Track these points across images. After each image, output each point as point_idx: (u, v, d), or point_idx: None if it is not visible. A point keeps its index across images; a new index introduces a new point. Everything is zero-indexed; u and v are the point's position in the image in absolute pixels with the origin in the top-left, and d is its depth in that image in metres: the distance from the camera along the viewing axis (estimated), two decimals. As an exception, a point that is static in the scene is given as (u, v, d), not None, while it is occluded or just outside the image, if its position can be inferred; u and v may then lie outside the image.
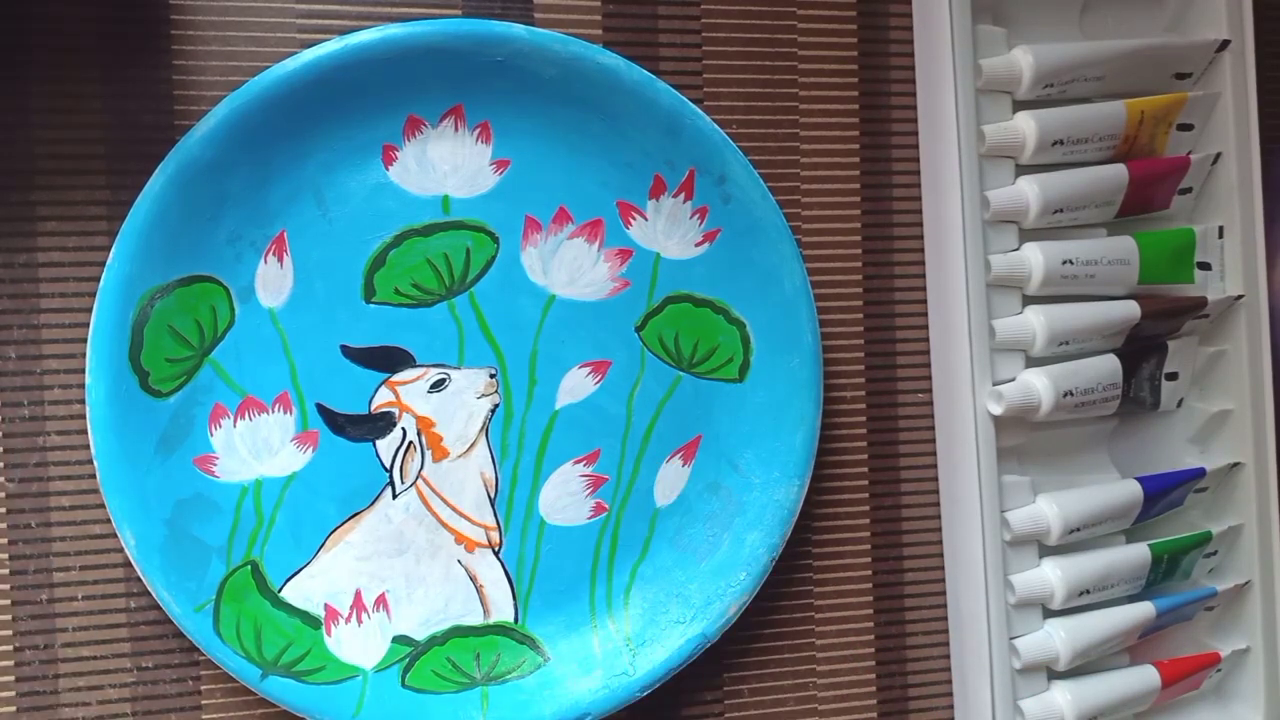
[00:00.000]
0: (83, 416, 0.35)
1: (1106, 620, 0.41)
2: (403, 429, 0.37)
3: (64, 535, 0.36)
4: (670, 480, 0.39)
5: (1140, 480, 0.41)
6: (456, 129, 0.37)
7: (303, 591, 0.37)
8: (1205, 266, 0.42)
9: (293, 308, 0.36)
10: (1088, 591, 0.40)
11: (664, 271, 0.39)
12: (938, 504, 0.42)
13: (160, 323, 0.35)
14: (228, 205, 0.35)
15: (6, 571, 0.35)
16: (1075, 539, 0.41)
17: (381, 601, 0.37)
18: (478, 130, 0.37)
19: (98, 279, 0.34)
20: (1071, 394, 0.40)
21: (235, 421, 0.36)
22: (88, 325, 0.34)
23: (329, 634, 0.37)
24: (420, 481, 0.38)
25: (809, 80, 0.41)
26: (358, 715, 0.36)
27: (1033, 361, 0.40)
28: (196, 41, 0.36)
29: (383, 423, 0.37)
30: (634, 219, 0.38)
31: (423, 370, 0.37)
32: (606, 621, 0.39)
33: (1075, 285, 0.40)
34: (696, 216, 0.39)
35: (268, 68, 0.34)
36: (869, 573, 0.42)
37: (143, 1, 0.36)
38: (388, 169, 0.37)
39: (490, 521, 0.38)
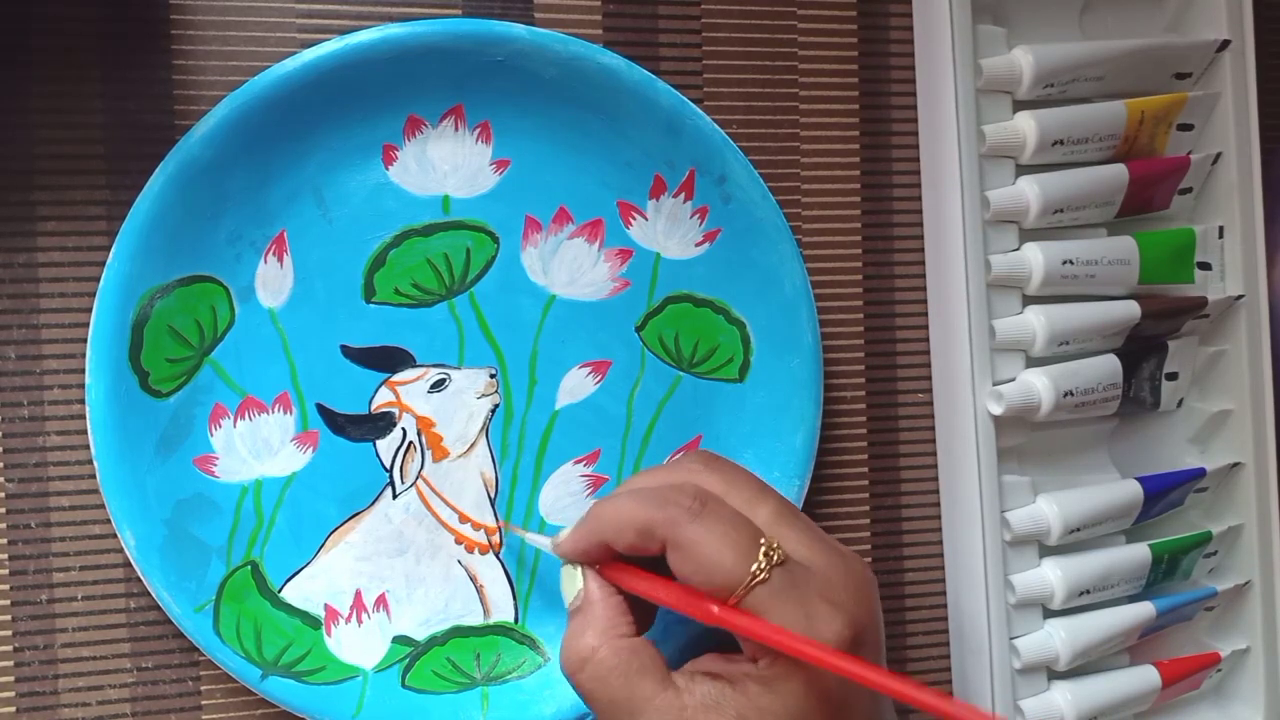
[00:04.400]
0: (83, 416, 0.35)
1: (1106, 620, 0.41)
2: (403, 429, 0.37)
3: (64, 535, 0.36)
4: (670, 480, 0.39)
5: (1140, 480, 0.41)
6: (456, 129, 0.37)
7: (303, 592, 0.37)
8: (1205, 266, 0.42)
9: (293, 308, 0.36)
10: (1088, 591, 0.40)
11: (664, 271, 0.39)
12: (938, 504, 0.42)
13: (160, 323, 0.35)
14: (228, 205, 0.35)
15: (6, 571, 0.35)
16: (1075, 539, 0.41)
17: (381, 602, 0.37)
18: (478, 130, 0.37)
19: (97, 279, 0.34)
20: (1072, 394, 0.40)
21: (235, 422, 0.36)
22: (88, 325, 0.34)
23: (329, 634, 0.37)
24: (420, 481, 0.38)
25: (809, 80, 0.41)
26: (358, 715, 0.36)
27: (1033, 361, 0.40)
28: (196, 41, 0.36)
29: (383, 423, 0.37)
30: (634, 219, 0.38)
31: (423, 370, 0.37)
32: (606, 621, 0.39)
33: (1075, 285, 0.40)
34: (696, 216, 0.39)
35: (268, 68, 0.34)
36: (869, 573, 0.42)
37: (143, 1, 0.36)
38: (388, 169, 0.37)
39: (490, 522, 0.38)
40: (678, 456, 0.35)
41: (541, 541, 0.35)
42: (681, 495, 0.30)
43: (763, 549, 0.29)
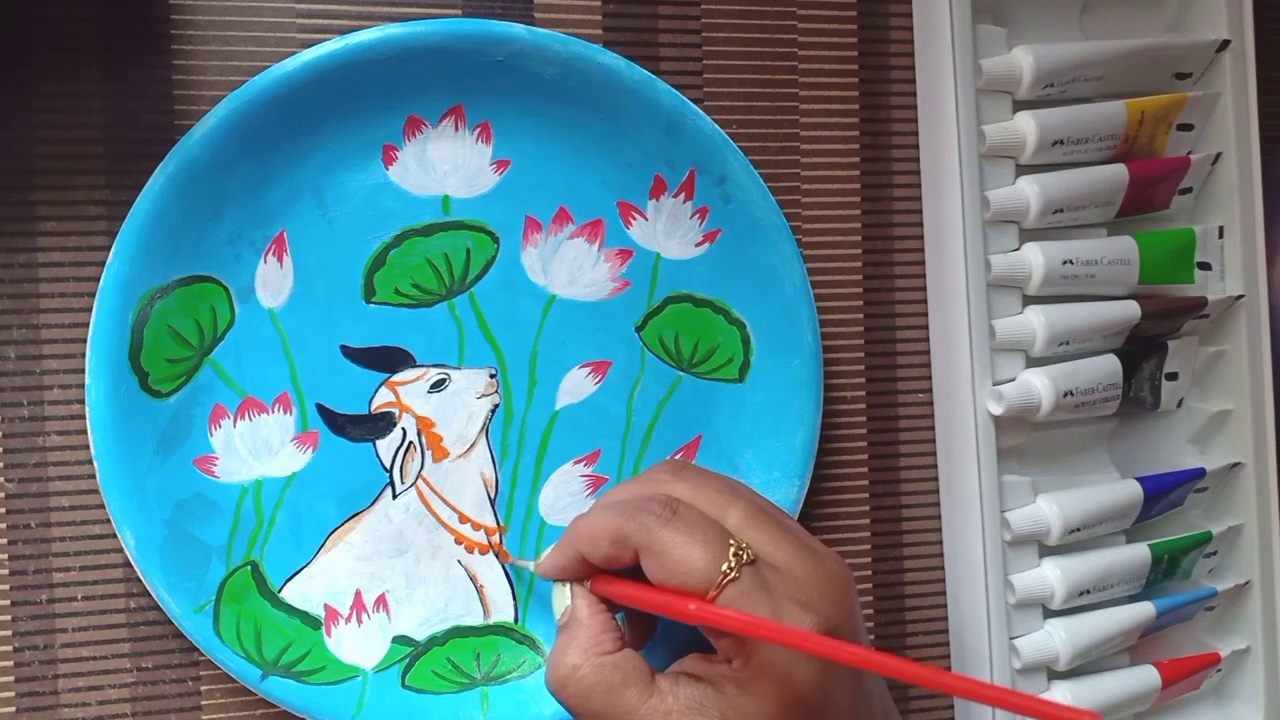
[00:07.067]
0: (82, 416, 0.35)
1: (1106, 620, 0.41)
2: (403, 429, 0.37)
3: (64, 535, 0.36)
4: (670, 480, 0.39)
5: (1140, 480, 0.41)
6: (456, 129, 0.37)
7: (303, 592, 0.37)
8: (1205, 266, 0.42)
9: (293, 308, 0.36)
10: (1088, 591, 0.40)
11: (664, 271, 0.39)
12: (938, 504, 0.42)
13: (160, 323, 0.35)
14: (228, 205, 0.35)
15: (6, 572, 0.35)
16: (1075, 539, 0.41)
17: (381, 602, 0.37)
18: (478, 130, 0.37)
19: (97, 279, 0.34)
20: (1072, 394, 0.40)
21: (235, 422, 0.36)
22: (88, 325, 0.34)
23: (329, 634, 0.37)
24: (420, 482, 0.38)
25: (809, 80, 0.41)
26: (358, 715, 0.36)
27: (1033, 361, 0.40)
28: (196, 41, 0.36)
29: (383, 423, 0.37)
30: (634, 219, 0.38)
31: (423, 370, 0.37)
32: (606, 621, 0.39)
33: (1075, 285, 0.40)
34: (697, 216, 0.39)
35: (268, 68, 0.34)
36: (869, 573, 0.42)
37: (143, 1, 0.36)
38: (388, 169, 0.37)
39: (490, 522, 0.38)
40: (649, 468, 0.35)
41: (527, 563, 0.36)
42: (651, 504, 0.31)
43: (732, 549, 0.30)
